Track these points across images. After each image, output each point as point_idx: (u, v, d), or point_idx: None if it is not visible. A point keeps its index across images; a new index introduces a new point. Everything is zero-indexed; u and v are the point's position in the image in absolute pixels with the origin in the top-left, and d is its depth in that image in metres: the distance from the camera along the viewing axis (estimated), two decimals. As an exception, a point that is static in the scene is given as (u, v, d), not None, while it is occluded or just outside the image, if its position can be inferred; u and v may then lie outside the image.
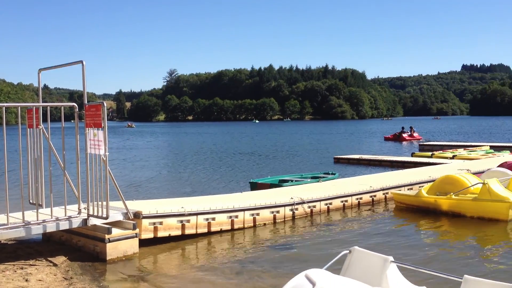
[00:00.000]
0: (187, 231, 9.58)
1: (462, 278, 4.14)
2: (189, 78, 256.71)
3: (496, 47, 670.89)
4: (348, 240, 9.25)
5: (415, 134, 48.62)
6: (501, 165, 15.54)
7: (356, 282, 3.62)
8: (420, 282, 5.12)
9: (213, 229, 9.93)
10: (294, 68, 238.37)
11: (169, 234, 9.37)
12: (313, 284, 3.67)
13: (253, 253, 8.66)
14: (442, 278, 4.50)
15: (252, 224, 10.57)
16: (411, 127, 50.59)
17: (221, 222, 10.07)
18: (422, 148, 33.34)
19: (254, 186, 14.67)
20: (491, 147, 30.00)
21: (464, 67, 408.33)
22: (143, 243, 8.82)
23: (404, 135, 47.32)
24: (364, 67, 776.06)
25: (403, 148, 38.65)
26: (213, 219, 9.91)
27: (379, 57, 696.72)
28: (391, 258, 4.67)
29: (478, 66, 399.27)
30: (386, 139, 49.43)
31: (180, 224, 9.49)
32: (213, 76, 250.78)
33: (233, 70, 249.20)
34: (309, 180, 15.53)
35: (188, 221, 9.57)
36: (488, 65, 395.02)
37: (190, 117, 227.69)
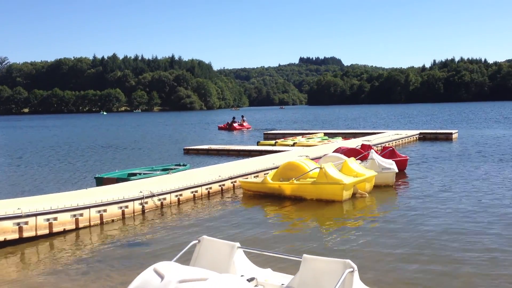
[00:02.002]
0: (26, 234, 8.81)
1: (301, 258, 4.47)
2: (22, 67, 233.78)
3: (329, 41, 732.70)
4: (199, 230, 9.38)
5: (245, 124, 51.67)
6: (335, 151, 17.02)
7: (204, 271, 3.69)
8: (265, 264, 5.43)
9: (55, 229, 9.28)
10: (140, 57, 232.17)
11: (5, 239, 8.55)
12: (162, 277, 3.65)
13: (100, 252, 8.30)
14: (284, 259, 4.81)
15: (99, 222, 10.12)
16: (242, 116, 53.77)
17: (64, 221, 9.45)
18: (267, 136, 35.11)
19: (100, 182, 14.03)
20: (325, 134, 32.81)
21: (301, 59, 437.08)
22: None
23: (235, 124, 50.20)
24: (210, 58, 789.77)
25: (234, 136, 41.09)
26: (55, 219, 9.26)
27: (224, 48, 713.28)
28: (237, 244, 4.86)
29: (314, 58, 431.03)
30: (220, 128, 51.90)
31: (17, 226, 8.69)
32: (51, 64, 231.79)
33: (73, 58, 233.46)
34: (158, 172, 15.37)
35: (26, 223, 8.81)
36: (322, 58, 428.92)
37: (26, 110, 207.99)
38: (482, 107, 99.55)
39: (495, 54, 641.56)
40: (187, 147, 26.58)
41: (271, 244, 8.39)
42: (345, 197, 11.95)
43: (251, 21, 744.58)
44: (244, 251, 4.97)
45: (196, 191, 12.53)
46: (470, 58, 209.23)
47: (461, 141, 28.42)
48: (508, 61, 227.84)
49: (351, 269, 4.11)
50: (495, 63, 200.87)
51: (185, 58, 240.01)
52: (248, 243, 8.47)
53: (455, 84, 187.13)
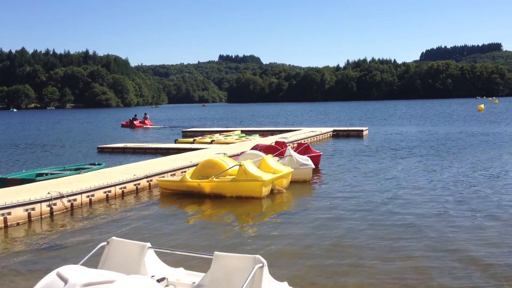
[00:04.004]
0: None
1: (213, 255, 4.47)
2: None
3: (248, 39, 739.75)
4: (112, 232, 9.06)
5: (147, 121, 51.76)
6: (253, 148, 17.23)
7: (111, 273, 3.57)
8: (178, 263, 5.36)
9: (-49, 236, 8.59)
10: (51, 52, 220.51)
11: None
12: (65, 281, 3.48)
13: (4, 257, 7.76)
14: (199, 257, 4.78)
15: (2, 225, 9.48)
16: (145, 114, 53.91)
17: (-38, 227, 8.77)
18: (185, 134, 34.78)
19: (4, 182, 13.13)
20: (243, 131, 33.12)
21: (221, 57, 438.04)
22: None
23: (136, 122, 50.31)
24: (127, 54, 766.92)
25: (135, 133, 41.37)
26: (-48, 224, 8.57)
27: (142, 44, 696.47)
28: (148, 244, 4.75)
29: (233, 56, 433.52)
30: (123, 125, 51.75)
31: None
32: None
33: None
34: (69, 172, 14.68)
35: None
36: (242, 56, 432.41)
37: None
38: (391, 106, 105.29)
39: (403, 55, 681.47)
40: (101, 146, 25.65)
41: (188, 243, 8.30)
42: (264, 194, 12.12)
43: (170, 17, 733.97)
44: (155, 251, 4.88)
45: (110, 191, 12.11)
46: (380, 59, 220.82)
47: (371, 137, 29.90)
48: (416, 61, 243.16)
49: (261, 265, 4.17)
50: (404, 64, 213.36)
51: (100, 53, 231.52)
52: (164, 242, 8.34)
53: (367, 83, 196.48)
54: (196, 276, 4.73)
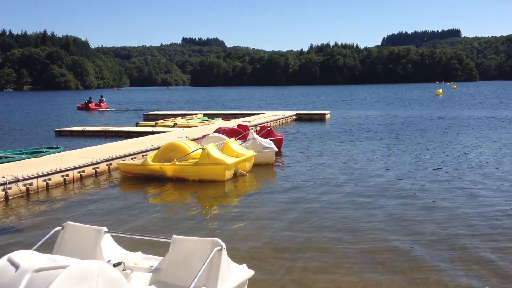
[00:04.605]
0: None
1: (171, 239, 4.41)
2: None
3: (212, 22, 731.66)
4: (69, 217, 8.82)
5: (103, 104, 51.22)
6: (216, 131, 17.11)
7: (65, 258, 3.47)
8: (136, 248, 5.27)
9: None
10: (8, 32, 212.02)
11: None
12: (17, 267, 3.36)
13: (-46, 245, 7.49)
14: (157, 241, 4.71)
15: (-48, 211, 9.13)
16: (101, 96, 53.27)
17: None
18: (147, 117, 34.28)
19: (-45, 167, 12.62)
20: (206, 115, 32.91)
21: (184, 39, 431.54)
22: None
23: (91, 104, 49.68)
24: (86, 35, 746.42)
25: (93, 116, 40.64)
26: None
27: (102, 25, 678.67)
28: (104, 228, 4.65)
29: (197, 39, 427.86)
30: (78, 108, 50.98)
31: None
32: None
33: None
34: (25, 156, 14.23)
35: None
36: (205, 39, 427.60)
37: None
38: (353, 90, 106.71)
39: (366, 40, 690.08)
40: (60, 129, 24.95)
41: (148, 227, 8.20)
42: (227, 177, 12.09)
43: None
44: (112, 235, 4.78)
45: (67, 175, 11.80)
46: (343, 43, 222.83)
47: (333, 121, 30.26)
48: (377, 46, 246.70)
49: (219, 247, 4.15)
50: (366, 49, 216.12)
51: (59, 34, 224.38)
52: (123, 226, 8.22)
53: (330, 67, 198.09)
54: (155, 260, 4.67)
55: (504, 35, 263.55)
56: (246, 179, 12.61)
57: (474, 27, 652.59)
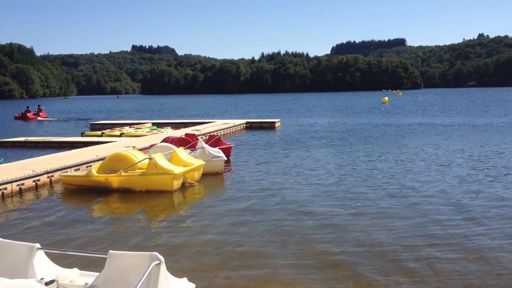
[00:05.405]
0: None
1: (107, 254, 4.27)
2: None
3: (162, 30, 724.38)
4: (3, 232, 8.39)
5: (42, 113, 50.24)
6: (164, 140, 16.89)
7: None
8: (72, 264, 5.08)
9: None
10: None
11: None
12: None
13: None
14: (92, 257, 4.55)
15: None
16: (39, 106, 52.22)
17: None
18: (94, 127, 33.41)
19: None
20: (155, 124, 32.44)
21: (134, 47, 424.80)
22: None
23: (29, 114, 48.76)
24: (31, 42, 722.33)
25: (32, 126, 39.41)
26: None
27: (48, 33, 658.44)
28: (37, 245, 4.45)
29: (147, 47, 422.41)
30: (16, 118, 49.73)
31: None
32: None
33: None
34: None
35: None
36: (156, 47, 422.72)
37: None
38: (303, 98, 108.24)
39: (315, 48, 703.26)
40: (0, 140, 23.87)
41: (90, 242, 7.91)
42: (175, 187, 11.93)
43: (78, 4, 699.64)
44: (46, 252, 4.58)
45: (5, 188, 11.27)
46: (294, 52, 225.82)
47: (283, 129, 30.55)
48: (327, 55, 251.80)
49: (158, 262, 4.05)
50: (315, 57, 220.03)
51: (2, 41, 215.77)
52: (63, 242, 7.90)
53: (281, 76, 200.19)
54: (91, 277, 4.51)
55: (447, 44, 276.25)
56: (194, 189, 12.48)
57: (418, 37, 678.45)
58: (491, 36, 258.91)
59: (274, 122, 32.12)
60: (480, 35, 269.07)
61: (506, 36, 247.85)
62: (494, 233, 8.11)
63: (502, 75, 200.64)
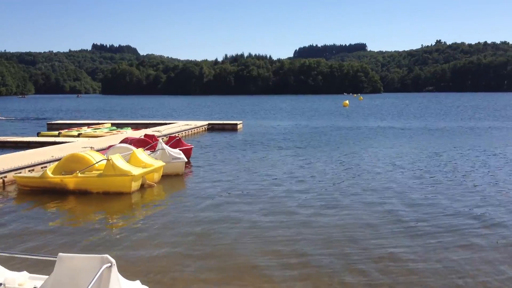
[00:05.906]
0: None
1: (56, 257, 4.18)
2: None
3: (124, 28, 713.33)
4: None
5: None
6: (123, 141, 16.63)
7: None
8: (22, 267, 4.95)
9: None
10: None
11: None
12: None
13: None
14: (43, 260, 4.44)
15: None
16: None
17: None
18: (51, 127, 32.55)
19: None
20: (114, 124, 31.89)
21: (94, 46, 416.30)
22: None
23: None
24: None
25: (14, 126, 37.67)
26: None
27: (4, 29, 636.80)
28: None
29: (108, 46, 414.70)
30: None
31: None
32: None
33: None
34: None
35: None
36: (117, 46, 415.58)
37: None
38: (266, 100, 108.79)
39: (278, 51, 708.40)
40: (-50, 140, 22.92)
41: (43, 245, 7.71)
42: (134, 189, 11.78)
43: (36, 0, 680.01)
44: None
45: (-46, 190, 10.86)
46: (257, 54, 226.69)
47: (245, 130, 30.61)
48: (290, 58, 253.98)
49: (109, 264, 3.98)
50: (279, 60, 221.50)
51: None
52: (13, 245, 7.68)
53: (245, 78, 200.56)
54: (41, 280, 4.39)
55: (406, 49, 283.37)
56: (153, 190, 12.36)
57: (378, 42, 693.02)
58: (448, 42, 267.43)
59: (236, 124, 32.15)
60: (438, 42, 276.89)
61: (463, 43, 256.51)
62: (445, 227, 8.38)
63: (459, 81, 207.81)
